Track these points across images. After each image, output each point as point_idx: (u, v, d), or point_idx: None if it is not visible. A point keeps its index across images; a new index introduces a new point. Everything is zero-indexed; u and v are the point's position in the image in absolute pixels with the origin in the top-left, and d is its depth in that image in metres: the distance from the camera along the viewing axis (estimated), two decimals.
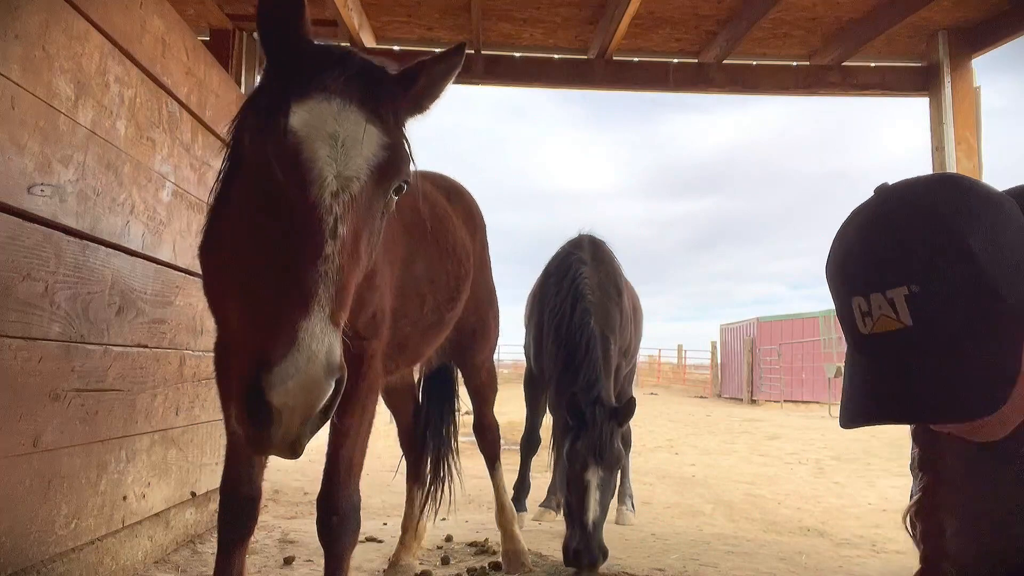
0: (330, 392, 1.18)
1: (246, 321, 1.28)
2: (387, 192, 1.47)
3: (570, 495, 3.30)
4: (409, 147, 1.53)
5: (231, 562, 2.08)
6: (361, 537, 3.96)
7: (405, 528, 3.48)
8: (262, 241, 1.31)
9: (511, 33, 4.68)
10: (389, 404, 3.80)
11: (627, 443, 5.58)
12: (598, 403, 3.45)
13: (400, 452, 3.87)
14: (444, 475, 3.73)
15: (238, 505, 2.09)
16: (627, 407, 3.48)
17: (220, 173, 1.80)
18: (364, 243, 1.39)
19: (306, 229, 1.26)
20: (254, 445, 1.20)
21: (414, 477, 3.64)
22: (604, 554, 3.18)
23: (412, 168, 1.53)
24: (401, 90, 1.58)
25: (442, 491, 3.70)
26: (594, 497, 3.20)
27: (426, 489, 3.63)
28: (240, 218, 1.43)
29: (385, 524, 4.36)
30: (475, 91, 5.04)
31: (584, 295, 3.86)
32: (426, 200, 2.89)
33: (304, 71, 1.42)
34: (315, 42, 1.53)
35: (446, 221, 3.08)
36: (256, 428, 1.17)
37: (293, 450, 1.22)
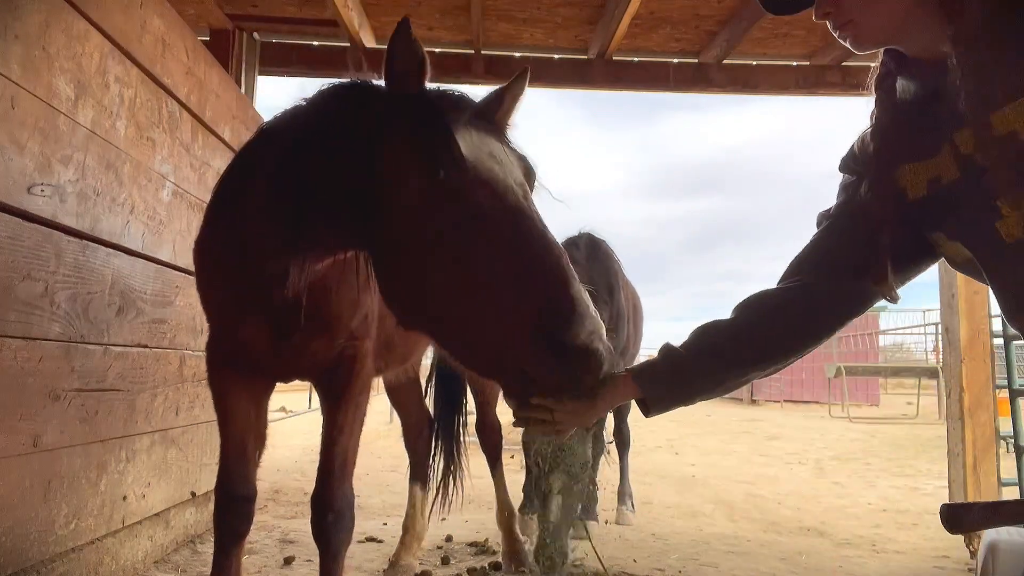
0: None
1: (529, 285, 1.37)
2: None
3: (537, 497, 3.34)
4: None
5: (229, 562, 2.13)
6: (361, 537, 3.98)
7: (406, 528, 3.49)
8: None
9: (511, 33, 4.69)
10: (394, 401, 3.82)
11: (626, 443, 5.56)
12: None
13: (399, 452, 3.88)
14: (453, 477, 3.77)
15: (234, 505, 2.13)
16: None
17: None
18: None
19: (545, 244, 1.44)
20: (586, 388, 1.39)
21: (416, 477, 3.65)
22: (564, 557, 3.22)
23: None
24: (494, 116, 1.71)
25: (451, 492, 3.75)
26: (556, 501, 3.22)
27: (435, 489, 3.69)
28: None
29: (385, 524, 4.36)
30: (475, 91, 5.03)
31: None
32: None
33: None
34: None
35: None
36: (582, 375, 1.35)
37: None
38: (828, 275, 1.45)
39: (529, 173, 1.58)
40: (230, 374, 2.17)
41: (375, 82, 1.69)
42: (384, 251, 1.57)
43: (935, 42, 1.25)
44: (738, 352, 1.47)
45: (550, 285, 1.35)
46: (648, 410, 1.51)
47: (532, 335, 1.32)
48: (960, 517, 1.35)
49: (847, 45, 1.33)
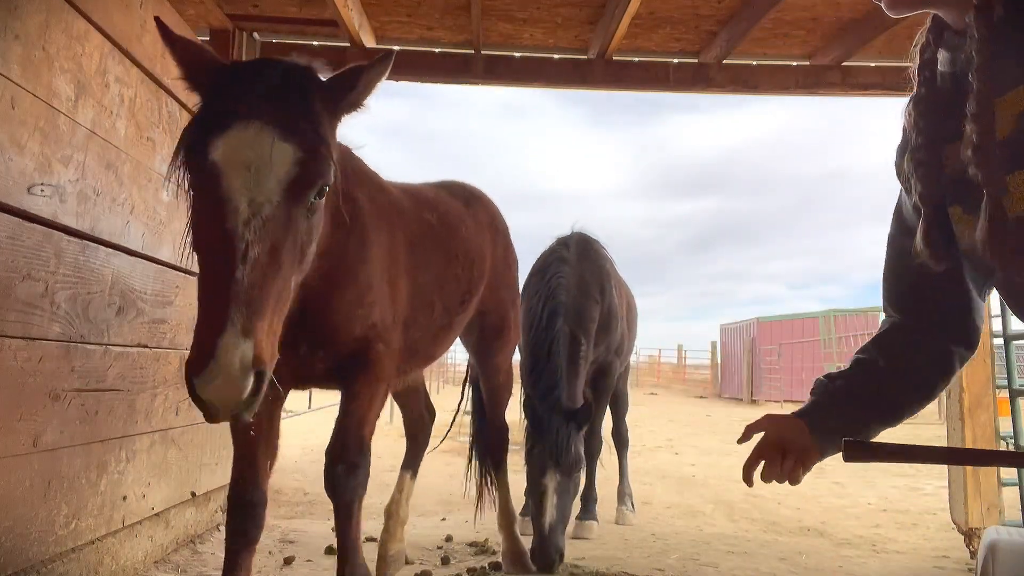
0: (251, 382, 1.41)
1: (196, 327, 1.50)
2: (307, 199, 1.61)
3: (530, 497, 3.34)
4: (329, 149, 1.65)
5: (238, 565, 2.15)
6: (361, 537, 3.98)
7: (390, 514, 3.48)
8: (201, 262, 1.56)
9: (511, 33, 4.68)
10: (399, 400, 3.90)
11: (624, 442, 5.55)
12: (555, 407, 3.40)
13: (399, 451, 3.90)
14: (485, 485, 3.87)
15: (245, 510, 2.18)
16: (583, 410, 3.42)
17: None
18: (288, 251, 1.57)
19: (221, 257, 1.46)
20: (210, 420, 1.49)
21: (409, 465, 3.73)
22: (560, 556, 3.21)
23: (332, 168, 1.66)
24: (336, 93, 1.76)
25: (487, 494, 3.86)
26: (551, 501, 3.21)
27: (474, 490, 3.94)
28: (193, 243, 1.63)
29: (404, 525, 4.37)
30: (475, 91, 5.04)
31: (556, 295, 3.81)
32: (434, 209, 3.04)
33: (226, 94, 1.61)
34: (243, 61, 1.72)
35: (458, 227, 3.19)
36: (205, 415, 1.46)
37: (240, 420, 1.49)
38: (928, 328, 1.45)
39: (308, 174, 1.58)
40: None
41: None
42: None
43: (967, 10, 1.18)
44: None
45: (200, 330, 1.45)
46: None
47: (187, 376, 1.42)
48: (858, 451, 1.36)
49: (882, 6, 1.28)
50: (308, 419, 10.89)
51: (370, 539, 3.94)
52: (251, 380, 1.40)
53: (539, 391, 3.51)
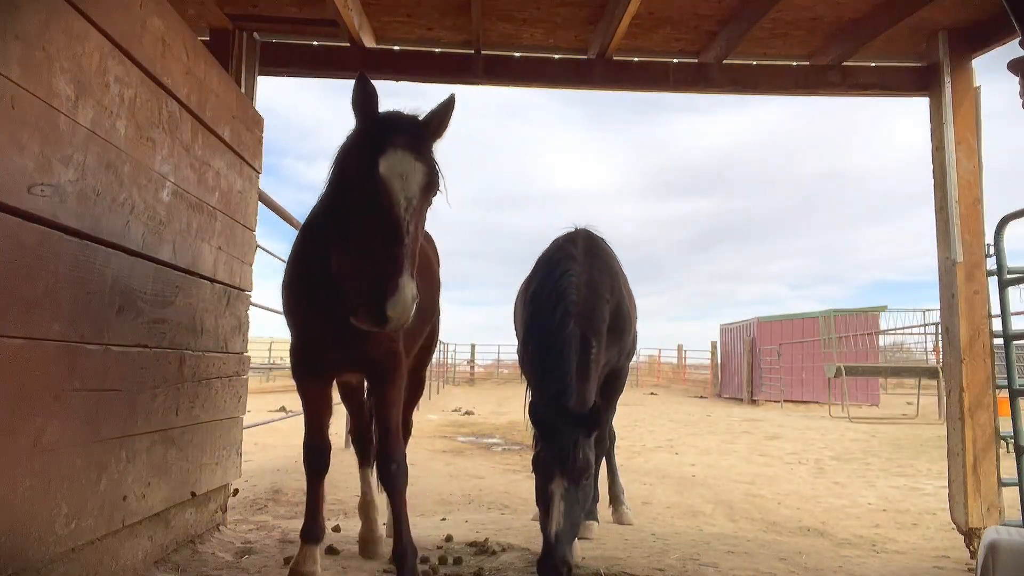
0: (413, 308, 2.27)
1: (368, 276, 2.30)
2: (430, 199, 2.53)
3: (537, 505, 3.18)
4: (438, 168, 2.56)
5: (317, 489, 3.17)
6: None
7: (362, 506, 3.83)
8: (366, 236, 2.37)
9: (511, 33, 4.68)
10: (352, 402, 4.23)
11: (609, 438, 5.40)
12: (563, 412, 3.25)
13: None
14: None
15: (318, 453, 3.11)
16: (592, 415, 3.26)
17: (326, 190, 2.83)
18: (420, 230, 2.51)
19: (391, 232, 2.32)
20: (385, 330, 2.40)
21: (365, 462, 4.05)
22: (568, 569, 3.00)
23: (442, 180, 2.56)
24: (431, 128, 2.61)
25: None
26: (558, 508, 3.05)
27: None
28: (355, 226, 2.44)
29: (385, 524, 4.36)
30: (475, 91, 5.02)
31: (567, 295, 3.62)
32: (427, 239, 3.99)
33: (382, 132, 2.48)
34: (382, 112, 2.57)
35: (427, 248, 3.93)
36: (380, 327, 2.30)
37: (403, 328, 2.50)
38: None
39: (432, 183, 2.49)
40: (308, 370, 3.13)
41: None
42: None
43: None
44: None
45: (387, 273, 2.26)
46: None
47: (375, 301, 2.24)
48: None
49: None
50: None
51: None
52: (414, 305, 2.26)
53: (547, 395, 3.37)
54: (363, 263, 2.33)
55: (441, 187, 2.53)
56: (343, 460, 6.24)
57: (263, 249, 7.00)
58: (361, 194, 2.39)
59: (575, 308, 3.58)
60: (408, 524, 3.05)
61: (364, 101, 2.52)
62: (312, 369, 3.11)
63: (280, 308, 3.25)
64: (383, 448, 2.99)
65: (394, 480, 2.97)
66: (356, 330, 2.45)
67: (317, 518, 3.15)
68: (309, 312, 2.99)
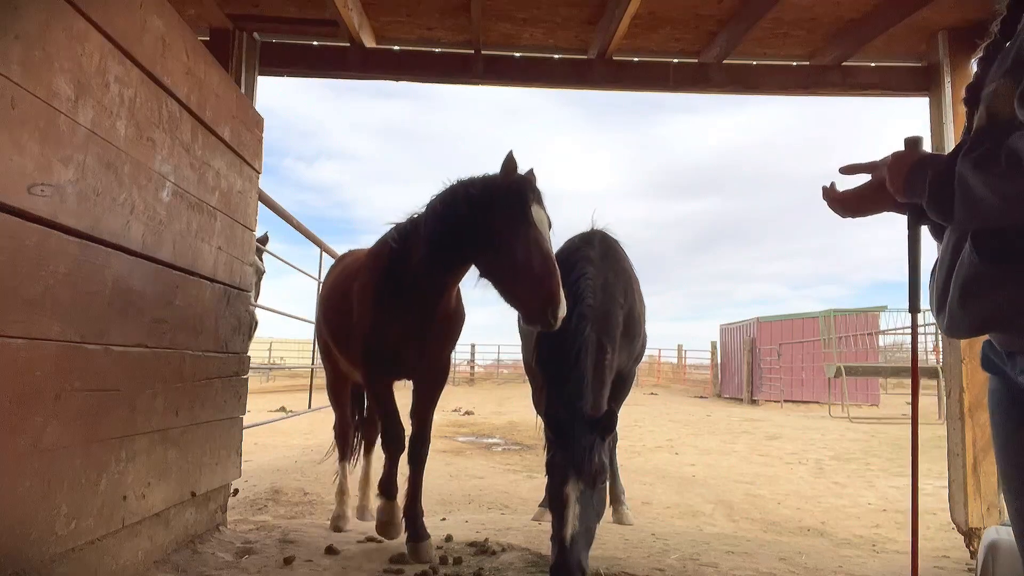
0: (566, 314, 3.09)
1: (543, 291, 2.99)
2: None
3: (551, 510, 3.11)
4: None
5: (394, 465, 3.87)
6: (361, 537, 3.99)
7: (340, 492, 4.59)
8: (529, 263, 3.06)
9: (511, 33, 4.68)
10: (333, 399, 4.85)
11: (613, 441, 5.41)
12: (579, 416, 3.22)
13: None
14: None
15: (396, 436, 3.76)
16: (607, 419, 3.22)
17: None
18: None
19: (548, 259, 3.07)
20: (547, 331, 3.06)
21: (344, 457, 4.80)
22: (583, 573, 2.91)
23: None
24: (534, 183, 3.30)
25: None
26: (573, 512, 2.98)
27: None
28: (518, 257, 3.11)
29: (357, 507, 4.41)
30: (475, 91, 5.03)
31: (584, 298, 3.58)
32: None
33: (526, 192, 3.20)
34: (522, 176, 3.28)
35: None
36: (548, 328, 3.01)
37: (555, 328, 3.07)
38: None
39: (550, 224, 3.21)
40: (385, 373, 3.80)
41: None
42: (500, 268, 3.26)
43: None
44: None
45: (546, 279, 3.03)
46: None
47: (548, 306, 2.98)
48: None
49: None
50: (308, 419, 10.90)
51: (370, 539, 3.95)
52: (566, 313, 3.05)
53: (563, 399, 3.33)
54: (534, 286, 3.02)
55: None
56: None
57: (270, 254, 7.01)
58: (517, 235, 3.10)
59: (591, 312, 3.55)
60: (421, 492, 3.84)
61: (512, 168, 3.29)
62: (387, 374, 3.81)
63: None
64: (422, 433, 3.81)
65: (420, 457, 3.80)
66: (430, 344, 3.51)
67: (394, 481, 3.90)
68: (395, 327, 3.59)
